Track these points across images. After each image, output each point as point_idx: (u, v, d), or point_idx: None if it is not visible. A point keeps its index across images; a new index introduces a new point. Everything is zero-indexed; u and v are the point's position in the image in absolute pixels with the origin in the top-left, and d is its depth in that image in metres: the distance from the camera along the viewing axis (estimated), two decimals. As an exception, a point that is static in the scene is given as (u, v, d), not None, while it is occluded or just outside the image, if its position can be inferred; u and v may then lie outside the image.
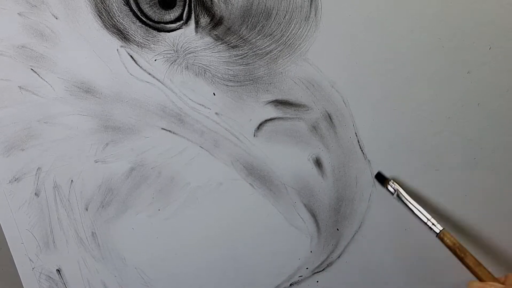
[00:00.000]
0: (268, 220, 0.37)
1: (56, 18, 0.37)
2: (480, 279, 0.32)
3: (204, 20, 0.36)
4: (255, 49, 0.37)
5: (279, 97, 0.37)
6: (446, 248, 0.34)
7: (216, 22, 0.36)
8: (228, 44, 0.37)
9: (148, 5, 0.36)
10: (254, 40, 0.36)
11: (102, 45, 0.37)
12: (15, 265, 0.38)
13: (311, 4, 0.36)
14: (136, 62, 0.37)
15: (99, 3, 0.37)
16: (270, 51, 0.37)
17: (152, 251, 0.37)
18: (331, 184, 0.37)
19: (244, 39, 0.37)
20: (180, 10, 0.36)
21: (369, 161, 0.36)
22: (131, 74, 0.37)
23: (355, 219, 0.37)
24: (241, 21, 0.36)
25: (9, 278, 0.38)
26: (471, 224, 0.36)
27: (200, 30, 0.37)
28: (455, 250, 0.33)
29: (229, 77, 0.37)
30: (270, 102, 0.37)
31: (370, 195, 0.36)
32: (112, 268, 0.38)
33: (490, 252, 0.36)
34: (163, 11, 0.36)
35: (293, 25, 0.36)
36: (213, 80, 0.37)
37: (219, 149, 0.37)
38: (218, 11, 0.36)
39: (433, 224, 0.34)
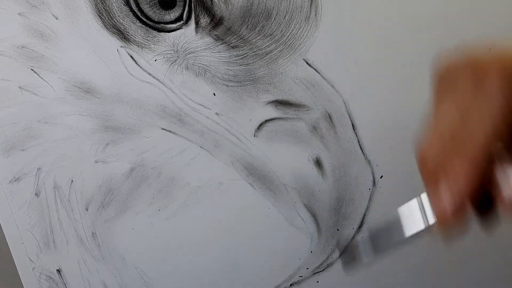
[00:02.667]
0: (268, 220, 0.37)
1: (56, 18, 0.37)
2: None
3: (204, 20, 0.36)
4: (255, 49, 0.37)
5: (279, 97, 0.37)
6: (447, 248, 0.34)
7: (216, 22, 0.36)
8: (228, 44, 0.37)
9: (148, 5, 0.36)
10: (254, 40, 0.36)
11: (102, 45, 0.37)
12: (15, 265, 0.38)
13: (311, 4, 0.36)
14: (136, 62, 0.37)
15: (99, 3, 0.37)
16: (270, 51, 0.37)
17: (152, 251, 0.37)
18: (331, 184, 0.37)
19: (244, 39, 0.37)
20: (180, 10, 0.36)
21: (369, 161, 0.36)
22: (131, 74, 0.37)
23: (355, 219, 0.37)
24: (241, 21, 0.36)
25: (9, 278, 0.38)
26: (472, 225, 0.36)
27: (200, 30, 0.37)
28: None
29: (229, 77, 0.37)
30: (270, 102, 0.37)
31: (370, 195, 0.36)
32: (112, 268, 0.38)
33: (489, 253, 0.36)
34: (163, 11, 0.36)
35: (293, 25, 0.36)
36: (213, 80, 0.37)
37: (219, 149, 0.37)
38: (218, 11, 0.36)
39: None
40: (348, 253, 0.27)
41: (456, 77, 0.23)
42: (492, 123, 0.21)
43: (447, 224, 0.21)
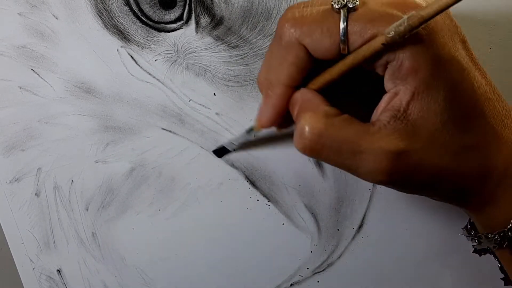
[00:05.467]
0: (268, 220, 0.37)
1: (56, 18, 0.37)
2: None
3: (205, 20, 0.36)
4: (255, 49, 0.37)
5: (280, 97, 0.37)
6: (447, 249, 0.34)
7: (216, 22, 0.36)
8: (229, 44, 0.37)
9: (149, 5, 0.36)
10: (255, 40, 0.37)
11: (102, 45, 0.37)
12: (15, 265, 0.38)
13: (311, 4, 0.36)
14: (136, 62, 0.37)
15: (99, 3, 0.37)
16: (271, 51, 0.37)
17: (153, 251, 0.37)
18: (331, 184, 0.37)
19: (244, 39, 0.37)
20: (181, 10, 0.36)
21: (369, 161, 0.36)
22: (131, 74, 0.37)
23: (355, 219, 0.37)
24: (242, 21, 0.36)
25: (10, 278, 0.38)
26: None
27: (201, 30, 0.37)
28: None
29: (230, 77, 0.37)
30: (271, 102, 0.37)
31: (370, 195, 0.37)
32: (113, 268, 0.38)
33: (490, 256, 0.36)
34: (164, 11, 0.36)
35: (293, 25, 0.36)
36: (213, 80, 0.37)
37: (220, 149, 0.37)
38: (218, 11, 0.36)
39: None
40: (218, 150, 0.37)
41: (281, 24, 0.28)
42: (283, 70, 0.28)
43: (260, 125, 0.31)
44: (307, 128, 0.26)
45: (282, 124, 0.31)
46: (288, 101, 0.28)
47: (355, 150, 0.25)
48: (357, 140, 0.25)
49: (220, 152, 0.37)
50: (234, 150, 0.36)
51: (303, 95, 0.28)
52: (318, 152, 0.26)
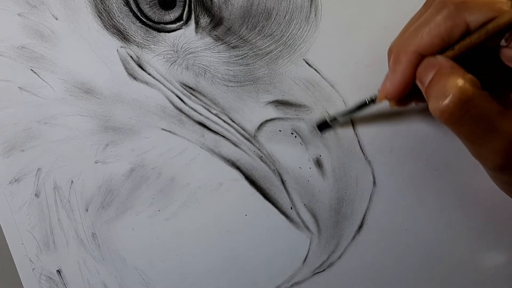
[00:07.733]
0: (268, 221, 0.37)
1: (56, 19, 0.37)
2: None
3: (204, 20, 0.36)
4: (255, 50, 0.37)
5: (280, 98, 0.37)
6: (447, 249, 0.34)
7: (216, 22, 0.36)
8: (228, 45, 0.37)
9: (148, 6, 0.36)
10: (254, 40, 0.36)
11: (102, 46, 0.37)
12: (15, 266, 0.38)
13: (311, 4, 0.36)
14: (136, 63, 0.37)
15: (99, 4, 0.37)
16: (270, 52, 0.37)
17: (153, 251, 0.37)
18: (331, 184, 0.37)
19: (244, 40, 0.37)
20: (180, 11, 0.36)
21: (369, 161, 0.36)
22: (131, 75, 0.37)
23: (355, 220, 0.37)
24: (241, 21, 0.36)
25: (10, 278, 0.38)
26: (473, 226, 0.36)
27: (200, 31, 0.37)
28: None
29: (229, 77, 0.37)
30: (271, 102, 0.37)
31: (370, 195, 0.36)
32: (113, 269, 0.37)
33: (489, 257, 0.36)
34: (163, 11, 0.36)
35: (293, 25, 0.36)
36: (213, 80, 0.37)
37: (219, 150, 0.37)
38: (218, 11, 0.36)
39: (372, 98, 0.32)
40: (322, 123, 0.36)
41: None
42: (429, 38, 0.26)
43: (385, 94, 0.30)
44: (454, 91, 0.24)
45: (403, 100, 0.30)
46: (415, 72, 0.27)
47: (490, 127, 0.25)
48: (495, 118, 0.25)
49: (322, 126, 0.36)
50: (336, 125, 0.35)
51: (442, 60, 0.26)
52: (457, 119, 0.25)
